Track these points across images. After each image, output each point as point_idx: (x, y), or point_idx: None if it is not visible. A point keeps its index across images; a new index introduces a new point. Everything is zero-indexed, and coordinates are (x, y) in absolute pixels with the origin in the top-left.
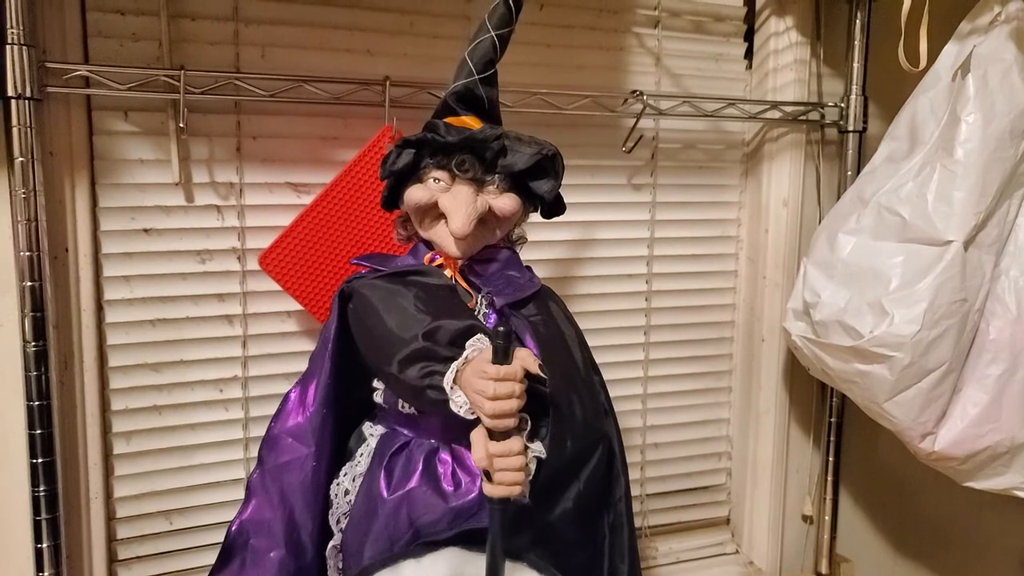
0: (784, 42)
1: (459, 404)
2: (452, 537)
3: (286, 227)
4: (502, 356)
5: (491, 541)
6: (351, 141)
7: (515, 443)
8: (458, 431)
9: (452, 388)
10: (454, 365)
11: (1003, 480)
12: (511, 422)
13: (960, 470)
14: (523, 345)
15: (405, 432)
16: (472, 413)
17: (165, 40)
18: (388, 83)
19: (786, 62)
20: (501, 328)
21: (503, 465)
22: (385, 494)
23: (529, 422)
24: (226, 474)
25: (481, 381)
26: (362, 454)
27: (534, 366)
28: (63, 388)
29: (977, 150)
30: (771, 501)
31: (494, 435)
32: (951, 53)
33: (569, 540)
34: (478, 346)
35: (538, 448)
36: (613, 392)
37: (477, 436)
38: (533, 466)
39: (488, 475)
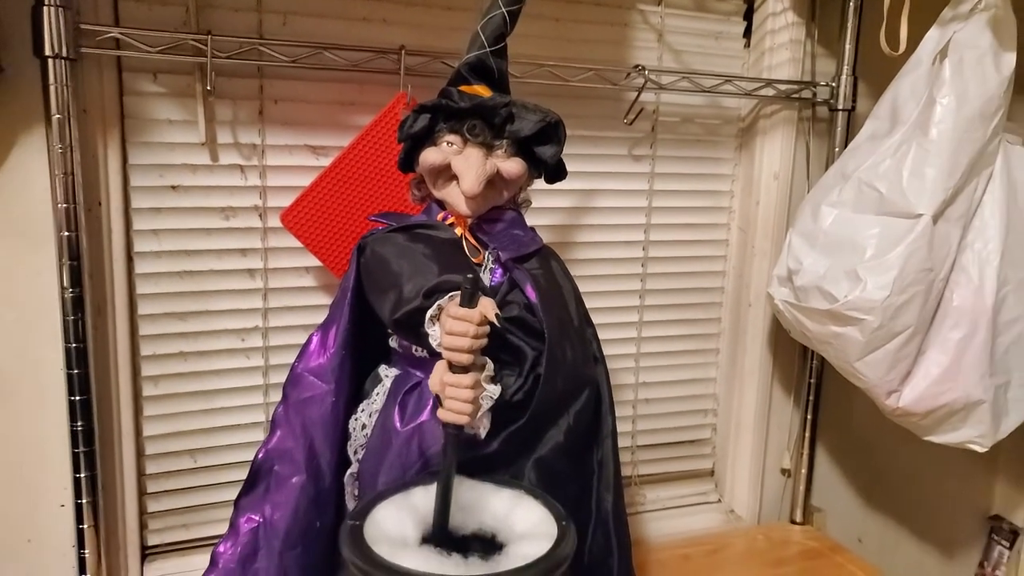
0: (781, 22)
1: (434, 337)
2: (456, 465)
3: (306, 187)
4: (466, 300)
5: (443, 462)
6: (367, 107)
7: (466, 378)
8: None
9: (431, 322)
10: (438, 303)
11: (959, 435)
12: (464, 358)
13: (921, 425)
14: (524, 294)
15: (418, 373)
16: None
17: (192, 5)
18: (404, 52)
19: (782, 42)
20: (470, 275)
21: (451, 394)
22: (399, 427)
23: (490, 365)
24: (246, 417)
25: (444, 317)
26: (378, 393)
27: (491, 313)
28: (97, 333)
29: (950, 131)
30: (752, 455)
31: (453, 368)
32: (933, 38)
33: (562, 472)
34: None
35: (492, 390)
36: (608, 351)
37: (438, 365)
38: (486, 404)
39: (440, 401)
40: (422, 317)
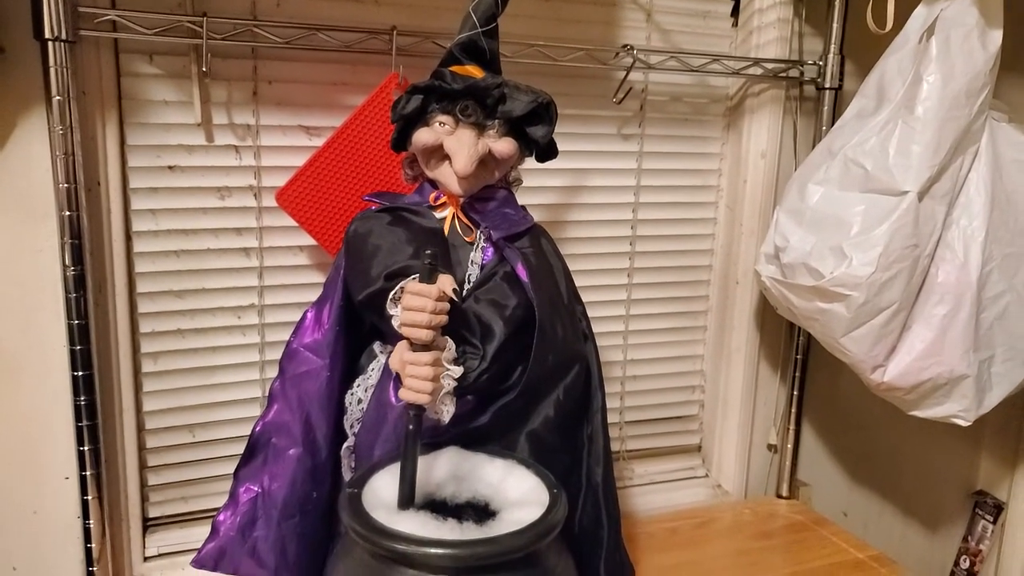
0: (768, 1)
1: (397, 318)
2: (451, 437)
3: (300, 167)
4: (425, 276)
5: (404, 440)
6: (359, 87)
7: (426, 356)
8: None
9: (392, 304)
10: (401, 283)
11: (943, 409)
12: (422, 334)
13: (906, 400)
14: (514, 271)
15: None
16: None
17: None
18: (395, 32)
19: (769, 21)
20: (428, 251)
21: (411, 372)
22: (394, 401)
23: (451, 346)
24: (243, 393)
25: (403, 293)
26: (373, 368)
27: (448, 289)
28: (98, 310)
29: (935, 108)
30: (739, 431)
31: (414, 346)
32: (920, 16)
33: (553, 446)
34: None
35: (455, 371)
36: (596, 328)
37: (399, 343)
38: (447, 384)
39: (400, 379)
40: (384, 299)
